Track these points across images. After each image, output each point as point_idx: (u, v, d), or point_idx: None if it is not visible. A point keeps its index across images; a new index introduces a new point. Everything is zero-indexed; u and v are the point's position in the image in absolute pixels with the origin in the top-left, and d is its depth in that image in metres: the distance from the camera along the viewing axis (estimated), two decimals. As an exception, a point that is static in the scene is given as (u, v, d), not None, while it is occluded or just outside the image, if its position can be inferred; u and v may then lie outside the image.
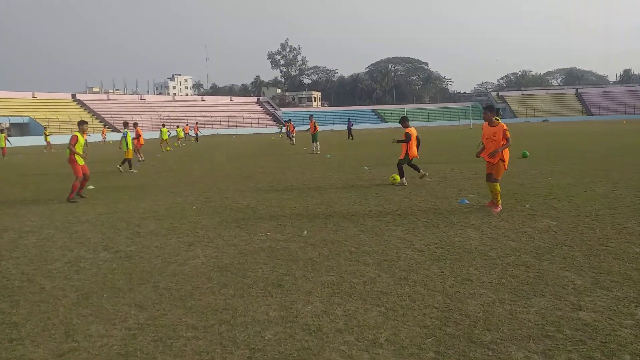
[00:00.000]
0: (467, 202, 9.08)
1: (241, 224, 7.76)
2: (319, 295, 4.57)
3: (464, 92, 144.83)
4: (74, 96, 72.52)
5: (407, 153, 12.00)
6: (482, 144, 8.37)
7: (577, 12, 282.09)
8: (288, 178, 13.99)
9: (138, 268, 5.63)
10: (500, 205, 8.16)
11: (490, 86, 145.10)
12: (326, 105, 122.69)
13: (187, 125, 55.04)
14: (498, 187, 8.11)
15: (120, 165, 17.49)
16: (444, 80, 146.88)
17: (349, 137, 37.40)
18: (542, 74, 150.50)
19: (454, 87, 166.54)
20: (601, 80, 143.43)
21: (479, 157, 8.64)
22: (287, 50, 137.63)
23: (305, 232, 7.05)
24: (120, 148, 18.19)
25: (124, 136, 17.45)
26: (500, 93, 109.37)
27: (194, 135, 48.13)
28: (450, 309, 4.17)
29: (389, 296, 4.50)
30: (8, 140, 33.16)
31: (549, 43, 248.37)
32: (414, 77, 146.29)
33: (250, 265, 5.57)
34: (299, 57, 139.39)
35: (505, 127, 8.00)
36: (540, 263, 5.33)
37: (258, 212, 8.73)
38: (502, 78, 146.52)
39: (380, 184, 11.96)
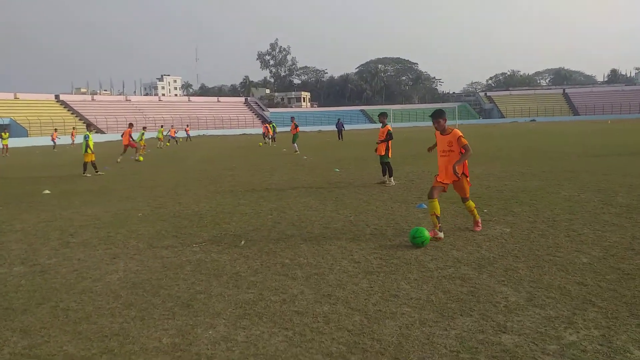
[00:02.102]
0: (425, 206, 8.70)
1: (179, 233, 7.32)
2: (226, 318, 4.15)
3: (453, 93, 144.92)
4: (57, 97, 71.52)
5: (387, 151, 11.95)
6: (430, 149, 7.48)
7: (568, 13, 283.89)
8: (254, 181, 13.56)
9: (47, 285, 5.18)
10: (480, 223, 6.92)
11: (479, 86, 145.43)
12: (315, 105, 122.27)
13: (172, 127, 54.37)
14: (472, 203, 6.89)
15: (85, 172, 16.79)
16: (433, 80, 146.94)
17: (339, 139, 36.86)
18: (530, 74, 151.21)
19: (443, 88, 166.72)
20: (589, 80, 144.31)
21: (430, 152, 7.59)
22: (277, 50, 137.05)
23: (242, 242, 6.63)
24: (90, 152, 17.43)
25: (86, 139, 16.89)
26: (489, 93, 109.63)
27: (187, 136, 47.51)
28: (364, 332, 3.77)
29: (303, 317, 4.09)
30: None
31: (538, 43, 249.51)
32: (404, 78, 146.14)
33: (167, 282, 5.14)
34: (289, 58, 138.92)
35: (460, 133, 6.53)
36: (479, 276, 4.95)
37: (204, 220, 8.29)
38: (490, 78, 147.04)
39: (345, 187, 11.56)
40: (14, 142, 50.50)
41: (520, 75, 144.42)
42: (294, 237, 6.84)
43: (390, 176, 11.97)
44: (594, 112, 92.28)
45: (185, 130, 51.98)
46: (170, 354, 3.55)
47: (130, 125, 25.18)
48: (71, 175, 17.11)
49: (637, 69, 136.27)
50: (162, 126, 43.89)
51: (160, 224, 8.06)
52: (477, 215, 6.93)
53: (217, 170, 16.93)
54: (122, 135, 23.89)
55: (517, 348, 3.42)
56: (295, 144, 24.97)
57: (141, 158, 23.91)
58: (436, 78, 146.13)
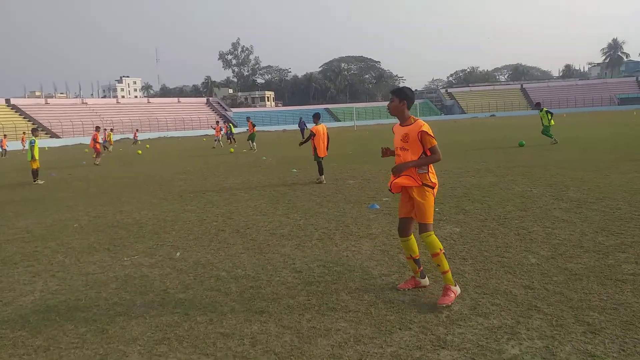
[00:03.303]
0: (377, 207, 8.44)
1: (113, 246, 6.79)
2: (142, 344, 3.72)
3: (415, 90, 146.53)
4: (7, 101, 68.36)
5: (315, 151, 12.15)
6: (384, 151, 4.65)
7: (523, 22, 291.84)
8: (206, 184, 13.04)
9: (-52, 312, 4.61)
10: (455, 289, 4.20)
11: (440, 83, 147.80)
12: (280, 104, 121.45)
13: (137, 130, 52.83)
14: (437, 243, 4.20)
15: (35, 179, 15.76)
16: (395, 78, 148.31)
17: (303, 138, 36.35)
18: (489, 70, 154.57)
19: (406, 85, 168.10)
20: (545, 76, 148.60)
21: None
22: (239, 50, 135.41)
23: (178, 253, 6.17)
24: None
25: (32, 145, 15.92)
26: (449, 90, 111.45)
27: (134, 140, 46.13)
28: (293, 354, 3.42)
29: (229, 339, 3.70)
30: None
31: (497, 42, 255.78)
32: (367, 76, 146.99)
33: (86, 302, 4.65)
34: (252, 57, 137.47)
35: (425, 126, 4.23)
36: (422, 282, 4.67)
37: (143, 230, 7.77)
38: (451, 75, 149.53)
39: (300, 189, 11.20)
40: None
41: (480, 72, 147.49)
42: (235, 246, 6.43)
43: (320, 174, 12.20)
44: (550, 105, 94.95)
45: (134, 134, 50.36)
46: (68, 392, 3.10)
47: (97, 128, 24.80)
48: (13, 184, 16.12)
49: (589, 64, 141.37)
50: (111, 130, 41.79)
51: (95, 236, 7.50)
52: (449, 276, 4.19)
53: (168, 175, 16.27)
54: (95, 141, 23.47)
55: (456, 366, 3.13)
56: (254, 143, 25.99)
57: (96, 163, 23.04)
58: (398, 76, 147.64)
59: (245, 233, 7.14)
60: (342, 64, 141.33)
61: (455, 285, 4.25)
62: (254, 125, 26.61)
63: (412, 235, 4.47)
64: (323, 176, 12.19)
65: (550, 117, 19.67)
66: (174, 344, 3.68)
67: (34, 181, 15.61)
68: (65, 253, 6.53)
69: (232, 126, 34.91)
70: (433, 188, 4.32)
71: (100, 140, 24.57)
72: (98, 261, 6.04)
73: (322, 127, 12.45)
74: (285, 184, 12.39)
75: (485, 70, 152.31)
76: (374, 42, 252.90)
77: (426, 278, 4.59)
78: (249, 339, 3.69)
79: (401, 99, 4.36)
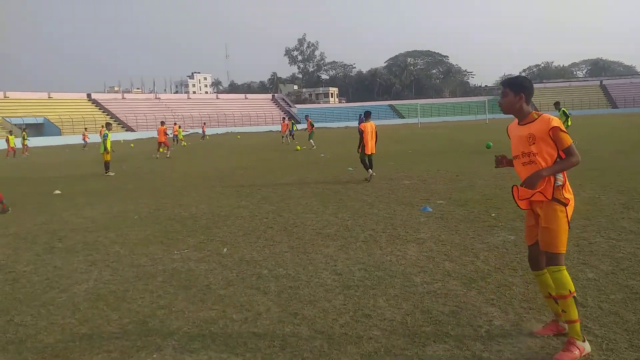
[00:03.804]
0: (430, 210, 8.20)
1: (167, 239, 7.06)
2: (178, 339, 3.82)
3: (485, 86, 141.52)
4: (89, 96, 73.21)
5: (362, 148, 12.23)
6: (500, 160, 3.73)
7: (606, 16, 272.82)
8: (263, 180, 13.27)
9: (12, 295, 4.98)
10: (581, 345, 3.23)
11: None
12: (343, 101, 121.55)
13: (204, 124, 54.52)
14: (567, 282, 3.30)
15: (107, 171, 16.79)
16: (464, 73, 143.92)
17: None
18: (566, 65, 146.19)
19: (475, 81, 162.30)
20: (629, 71, 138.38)
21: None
22: (305, 45, 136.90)
23: (225, 249, 6.30)
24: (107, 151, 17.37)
25: (105, 138, 16.93)
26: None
27: (174, 137, 46.51)
28: (320, 361, 3.38)
29: (259, 340, 3.73)
30: (27, 140, 35.07)
31: (573, 32, 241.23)
32: (434, 71, 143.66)
33: (133, 294, 4.86)
34: (317, 53, 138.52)
35: (552, 120, 3.35)
36: (467, 293, 4.48)
37: (197, 224, 8.02)
38: (524, 70, 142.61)
39: (353, 187, 11.12)
40: (47, 141, 51.99)
41: (555, 67, 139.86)
42: (281, 244, 6.48)
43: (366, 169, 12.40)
44: (634, 104, 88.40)
45: (202, 128, 51.85)
46: (103, 382, 3.25)
47: (162, 123, 26.10)
48: (89, 175, 17.22)
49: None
50: (179, 126, 42.84)
51: (152, 228, 7.84)
52: (577, 328, 3.26)
53: (229, 169, 16.74)
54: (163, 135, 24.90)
55: (488, 386, 2.96)
56: (312, 140, 26.15)
57: (161, 151, 24.64)
58: (467, 71, 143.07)
59: (292, 231, 7.18)
60: (409, 59, 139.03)
61: (584, 342, 3.25)
62: (312, 125, 26.97)
63: (544, 269, 3.48)
64: (372, 170, 12.25)
65: (566, 118, 18.52)
66: (207, 341, 3.75)
67: (105, 173, 16.59)
68: (122, 244, 6.87)
69: (293, 123, 35.31)
70: (566, 206, 3.34)
71: (169, 134, 25.88)
72: (150, 253, 6.31)
73: (370, 125, 12.43)
74: (339, 182, 12.35)
75: (561, 65, 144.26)
76: (442, 35, 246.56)
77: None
78: (280, 341, 3.69)
79: (517, 91, 3.44)
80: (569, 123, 18.59)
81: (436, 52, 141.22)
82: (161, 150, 25.30)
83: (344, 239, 6.62)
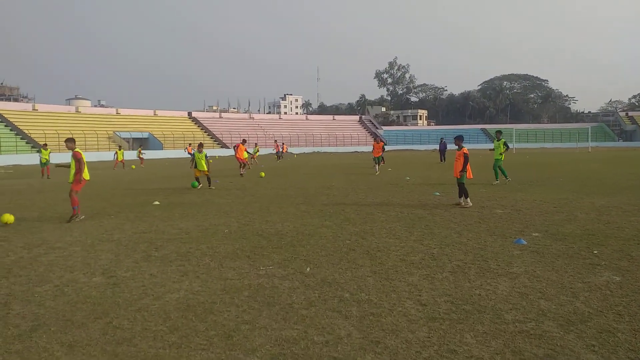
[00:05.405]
0: (524, 242, 7.71)
1: (253, 254, 7.27)
2: (260, 356, 3.88)
3: (589, 112, 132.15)
4: (189, 114, 78.47)
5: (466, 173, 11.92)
6: None
7: None
8: (347, 200, 13.30)
9: (113, 299, 5.37)
10: None
11: (619, 105, 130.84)
12: (432, 123, 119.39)
13: (283, 143, 55.73)
14: None
15: (210, 185, 17.95)
16: (566, 98, 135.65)
17: (441, 160, 34.80)
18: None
19: (577, 106, 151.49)
20: None
21: None
22: (395, 68, 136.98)
23: (308, 269, 6.35)
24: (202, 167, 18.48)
25: (199, 157, 18.02)
26: (630, 113, 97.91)
27: (276, 153, 47.94)
28: (401, 394, 3.25)
29: (340, 366, 3.68)
30: (143, 153, 41.01)
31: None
32: (532, 95, 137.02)
33: (220, 306, 5.03)
34: (407, 75, 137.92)
35: None
36: (564, 336, 4.11)
37: (283, 240, 8.19)
38: (634, 97, 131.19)
39: (440, 213, 10.78)
40: (150, 155, 56.27)
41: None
42: (363, 268, 6.41)
43: (465, 197, 11.97)
44: None
45: (274, 147, 49.52)
46: (188, 391, 3.36)
47: (244, 141, 27.32)
48: (186, 188, 18.32)
49: None
50: (259, 148, 43.93)
51: (240, 242, 8.12)
52: None
53: (314, 188, 16.98)
54: (235, 150, 26.01)
55: None
56: (377, 165, 24.91)
57: (245, 172, 25.51)
58: (569, 96, 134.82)
59: (375, 255, 7.08)
60: (504, 82, 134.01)
61: None
62: (383, 149, 26.17)
63: None
64: (468, 199, 11.96)
65: (504, 150, 17.36)
66: (288, 361, 3.76)
67: (209, 186, 17.74)
68: (212, 256, 7.18)
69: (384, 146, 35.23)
70: None
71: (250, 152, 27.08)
72: (238, 267, 6.52)
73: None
74: (425, 207, 12.04)
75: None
76: (541, 58, 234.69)
77: None
78: (360, 370, 3.61)
79: None
80: (502, 157, 17.57)
81: (535, 75, 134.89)
82: (247, 166, 26.43)
83: (430, 268, 6.40)
